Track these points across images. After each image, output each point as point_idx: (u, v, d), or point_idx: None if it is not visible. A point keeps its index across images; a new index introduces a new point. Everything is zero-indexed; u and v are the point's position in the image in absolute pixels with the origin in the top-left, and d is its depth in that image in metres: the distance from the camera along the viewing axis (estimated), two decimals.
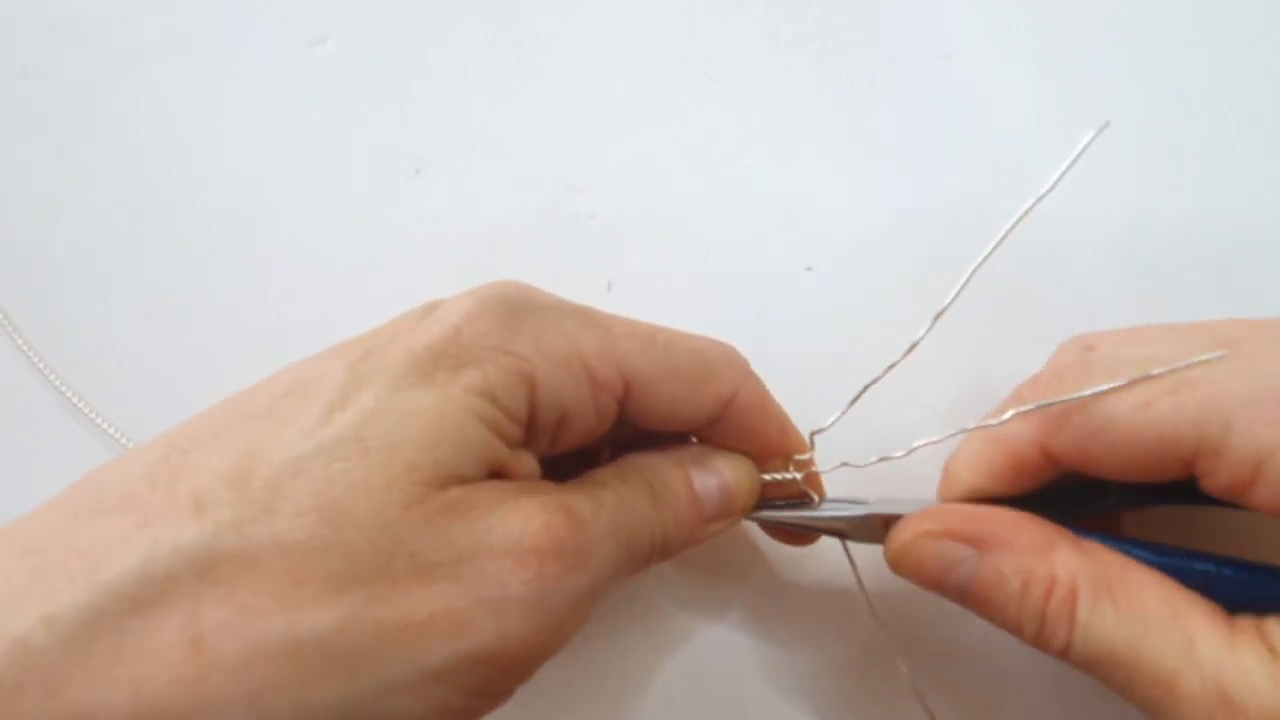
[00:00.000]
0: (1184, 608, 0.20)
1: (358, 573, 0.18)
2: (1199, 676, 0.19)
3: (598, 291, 0.32)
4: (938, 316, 0.24)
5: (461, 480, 0.20)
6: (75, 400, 0.30)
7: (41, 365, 0.30)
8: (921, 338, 0.24)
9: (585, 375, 0.22)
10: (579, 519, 0.20)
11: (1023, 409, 0.22)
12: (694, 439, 0.26)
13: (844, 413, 0.25)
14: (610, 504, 0.22)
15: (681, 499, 0.24)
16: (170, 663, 0.17)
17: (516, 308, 0.22)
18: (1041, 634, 0.21)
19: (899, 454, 0.25)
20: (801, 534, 0.26)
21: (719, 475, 0.24)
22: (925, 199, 0.32)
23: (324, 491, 0.18)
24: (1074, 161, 0.25)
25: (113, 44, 0.33)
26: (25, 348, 0.30)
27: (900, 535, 0.23)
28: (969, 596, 0.22)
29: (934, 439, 0.25)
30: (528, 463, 0.22)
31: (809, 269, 0.32)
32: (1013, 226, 0.24)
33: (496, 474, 0.21)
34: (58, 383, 0.30)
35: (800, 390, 0.29)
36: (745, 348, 0.31)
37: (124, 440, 0.29)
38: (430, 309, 0.22)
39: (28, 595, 0.17)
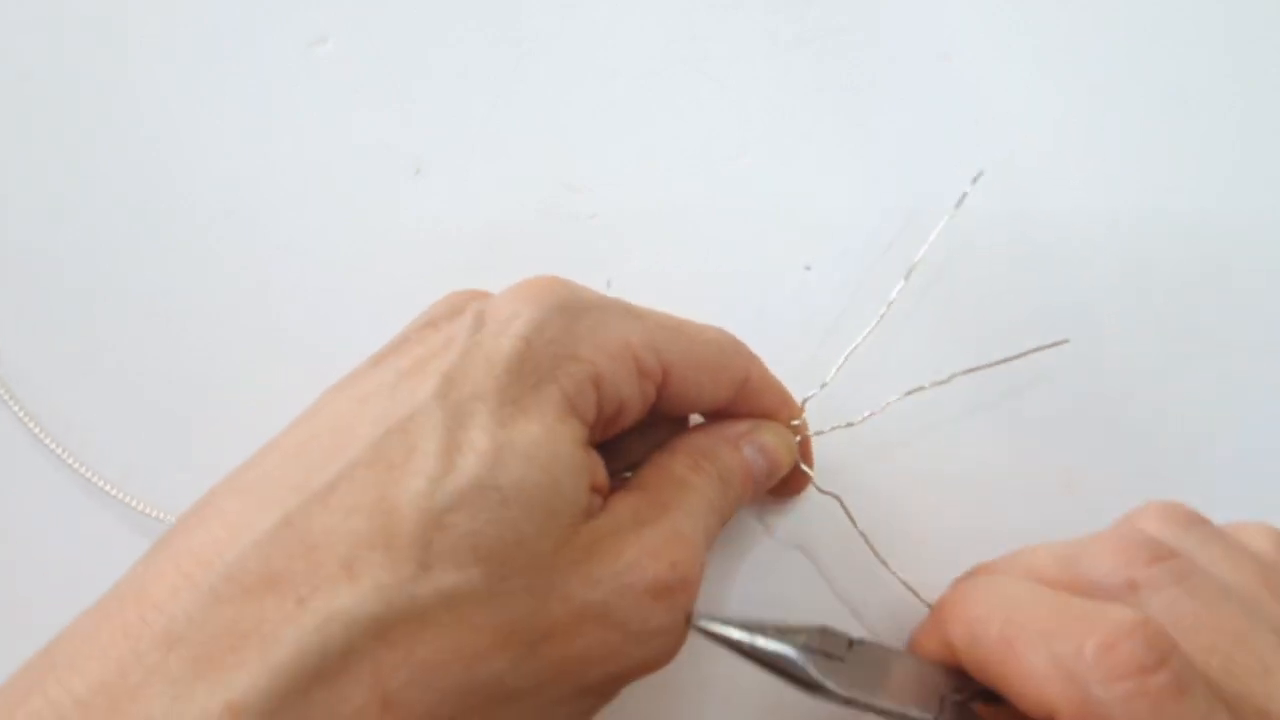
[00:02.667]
0: None
1: (522, 617, 0.19)
2: None
3: (598, 290, 0.32)
4: (909, 272, 0.25)
5: (585, 512, 0.21)
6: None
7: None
8: (896, 296, 0.27)
9: (635, 366, 0.23)
10: (692, 547, 0.22)
11: None
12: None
13: (830, 378, 0.28)
14: (700, 510, 0.23)
15: (740, 481, 0.25)
16: None
17: (572, 309, 0.23)
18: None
19: (860, 417, 0.29)
20: (796, 480, 0.28)
21: (766, 453, 0.26)
22: (925, 199, 0.32)
23: (479, 545, 0.19)
24: (957, 206, 0.29)
25: (112, 44, 0.33)
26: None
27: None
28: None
29: (892, 399, 0.28)
30: (600, 466, 0.23)
31: (809, 268, 0.32)
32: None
33: (592, 486, 0.22)
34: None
35: (800, 391, 0.29)
36: None
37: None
38: (479, 315, 0.22)
39: (198, 687, 0.17)
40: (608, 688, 0.21)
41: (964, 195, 0.29)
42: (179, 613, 0.18)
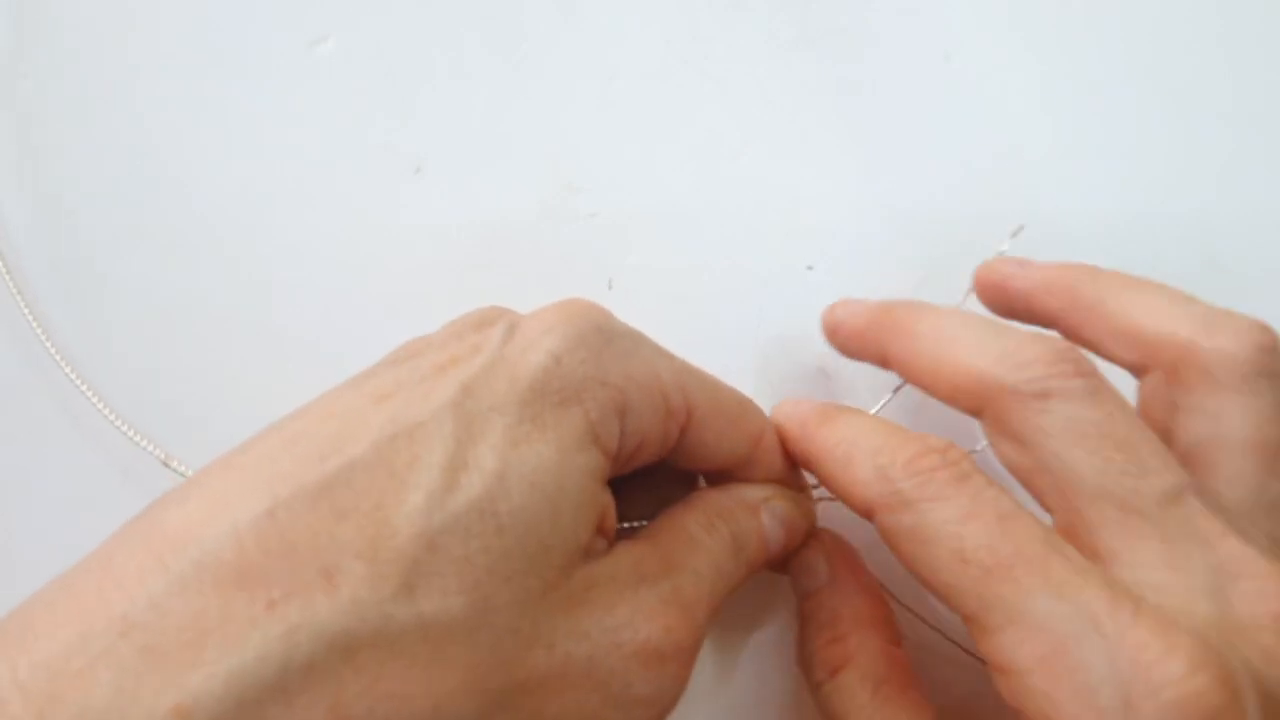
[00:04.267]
0: None
1: (501, 660, 0.18)
2: None
3: (598, 290, 0.32)
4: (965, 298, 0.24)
5: (583, 551, 0.20)
6: (87, 392, 0.30)
7: (50, 357, 0.30)
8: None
9: (662, 403, 0.22)
10: (691, 613, 0.21)
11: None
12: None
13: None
14: (707, 574, 0.22)
15: (754, 548, 0.24)
16: None
17: (606, 333, 0.21)
18: (805, 664, 0.24)
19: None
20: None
21: (784, 521, 0.25)
22: (925, 199, 0.32)
23: (465, 573, 0.18)
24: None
25: (112, 43, 0.33)
26: (40, 334, 0.30)
27: (810, 544, 0.26)
28: (796, 593, 0.25)
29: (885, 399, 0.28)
30: (610, 506, 0.21)
31: (810, 268, 0.32)
32: None
33: (598, 527, 0.21)
34: (73, 375, 0.30)
35: (801, 391, 0.29)
36: (745, 347, 0.31)
37: (134, 436, 0.29)
38: (511, 328, 0.21)
39: (147, 681, 0.16)
40: None
41: (1003, 250, 0.28)
42: (141, 596, 0.16)
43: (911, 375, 0.24)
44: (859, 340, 0.27)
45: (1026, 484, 0.22)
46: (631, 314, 0.30)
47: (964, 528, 0.20)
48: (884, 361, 0.25)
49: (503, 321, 0.22)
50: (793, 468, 0.26)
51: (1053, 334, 0.24)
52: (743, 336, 0.31)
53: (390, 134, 0.33)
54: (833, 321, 0.27)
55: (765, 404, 0.30)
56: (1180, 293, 0.24)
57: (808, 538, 0.26)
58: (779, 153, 0.33)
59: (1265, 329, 0.23)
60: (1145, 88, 0.34)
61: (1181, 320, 0.23)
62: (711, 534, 0.23)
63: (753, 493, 0.25)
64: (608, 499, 0.21)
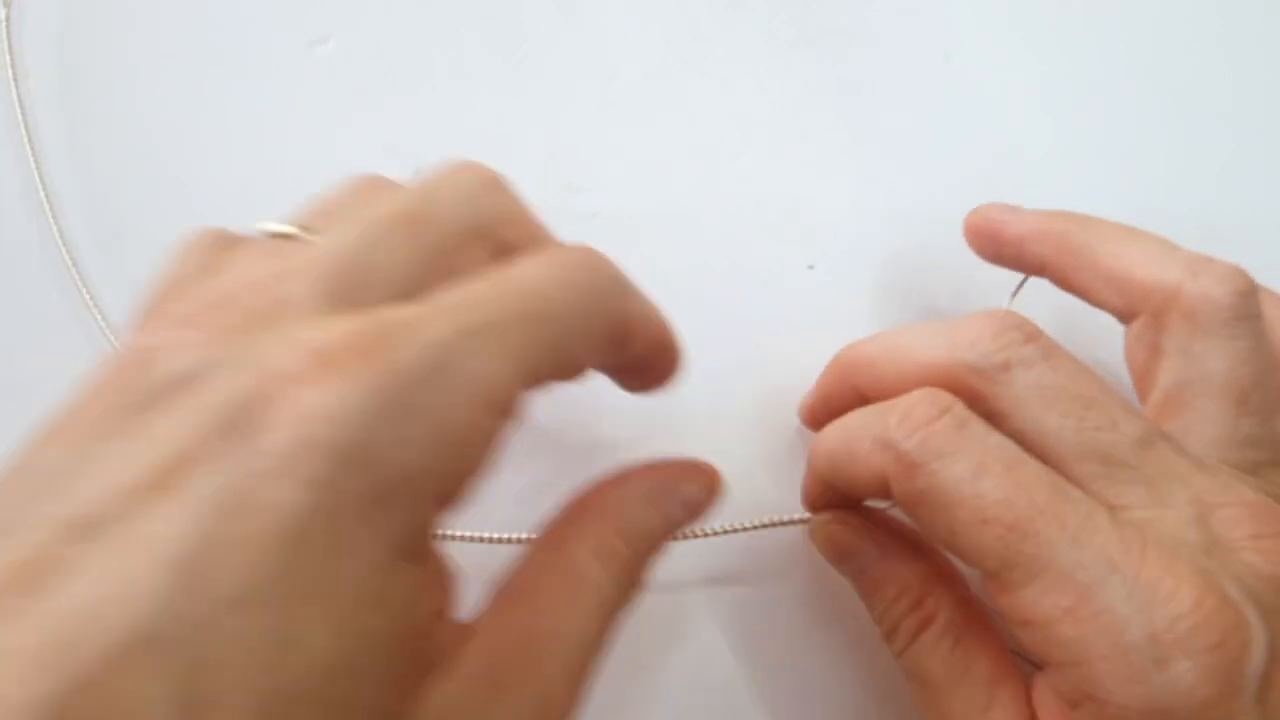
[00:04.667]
0: (1004, 677, 0.22)
1: None
2: None
3: None
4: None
5: (420, 672, 0.15)
6: None
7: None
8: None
9: (499, 421, 0.16)
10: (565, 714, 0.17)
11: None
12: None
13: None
14: (590, 627, 0.18)
15: (656, 546, 0.21)
16: None
17: (393, 393, 0.15)
18: (889, 635, 0.24)
19: None
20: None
21: (688, 506, 0.22)
22: (925, 199, 0.32)
23: None
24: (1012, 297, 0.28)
25: (111, 43, 0.33)
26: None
27: (826, 518, 0.26)
28: (856, 583, 0.25)
29: None
30: (437, 590, 0.17)
31: (811, 267, 0.32)
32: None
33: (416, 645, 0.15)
34: None
35: (802, 390, 0.29)
36: (746, 346, 0.31)
37: None
38: (247, 408, 0.14)
39: None
40: None
41: (1011, 298, 0.28)
42: None
43: (882, 393, 0.24)
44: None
45: None
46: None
47: (979, 485, 0.20)
48: (861, 400, 0.25)
49: (240, 387, 0.14)
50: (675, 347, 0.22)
51: (995, 310, 0.24)
52: (745, 336, 0.31)
53: (390, 134, 0.33)
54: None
55: (766, 403, 0.30)
56: (1167, 241, 0.25)
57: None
58: (779, 153, 0.33)
59: (1244, 274, 0.24)
60: (1145, 88, 0.34)
61: (1168, 266, 0.24)
62: (605, 565, 0.19)
63: (652, 477, 0.22)
64: (428, 599, 0.16)
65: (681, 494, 0.22)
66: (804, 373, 0.29)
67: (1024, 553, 0.19)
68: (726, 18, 0.34)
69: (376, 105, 0.33)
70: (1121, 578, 0.19)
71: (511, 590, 0.18)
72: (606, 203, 0.32)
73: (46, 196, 0.32)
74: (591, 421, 0.31)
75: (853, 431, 0.23)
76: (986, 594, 0.22)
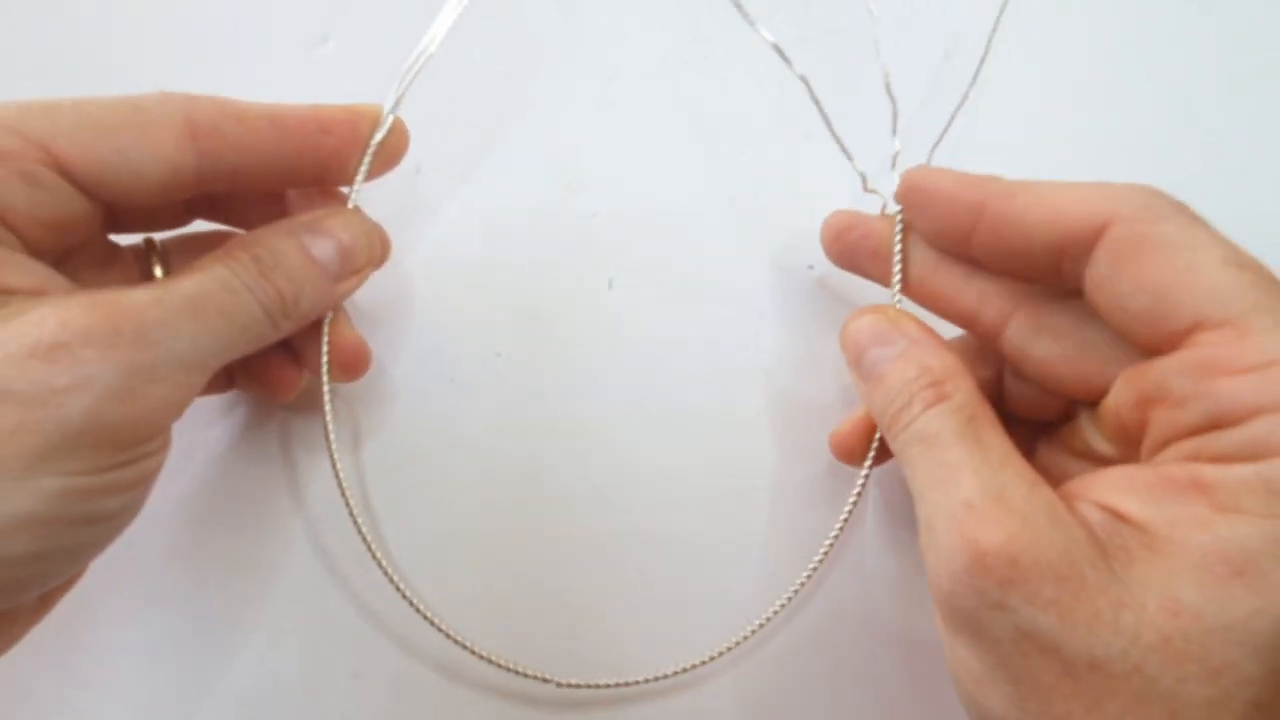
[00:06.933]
0: (1015, 453, 0.22)
1: None
2: (979, 483, 0.22)
3: (599, 290, 0.31)
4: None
5: None
6: None
7: None
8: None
9: None
10: (115, 307, 0.21)
11: None
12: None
13: None
14: (188, 286, 0.23)
15: (297, 264, 0.25)
16: None
17: None
18: (900, 410, 0.24)
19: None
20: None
21: (333, 238, 0.26)
22: None
23: None
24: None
25: (112, 43, 0.33)
26: None
27: (862, 310, 0.26)
28: (875, 371, 0.25)
29: None
30: (27, 272, 0.22)
31: (812, 267, 0.32)
32: None
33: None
34: None
35: (802, 389, 0.29)
36: (746, 346, 0.31)
37: None
38: None
39: None
40: (47, 466, 0.20)
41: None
42: None
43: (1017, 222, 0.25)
44: None
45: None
46: (632, 314, 0.30)
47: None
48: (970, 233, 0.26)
49: None
50: (295, 116, 0.27)
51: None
52: (746, 336, 0.31)
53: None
54: None
55: (767, 404, 0.30)
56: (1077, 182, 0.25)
57: (384, 254, 0.28)
58: (778, 152, 0.33)
59: (1155, 189, 0.23)
60: (1145, 88, 0.34)
61: (1093, 190, 0.23)
62: (222, 259, 0.24)
63: (291, 221, 0.26)
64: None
65: (318, 227, 0.26)
66: (805, 372, 0.29)
67: None
68: (726, 18, 0.34)
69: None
70: None
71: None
72: (606, 203, 0.32)
73: None
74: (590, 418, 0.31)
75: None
76: None
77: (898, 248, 0.27)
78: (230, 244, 0.25)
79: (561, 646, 0.29)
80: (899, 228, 0.27)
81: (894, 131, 0.29)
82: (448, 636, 0.28)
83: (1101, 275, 0.22)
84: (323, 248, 0.26)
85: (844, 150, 0.28)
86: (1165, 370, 0.21)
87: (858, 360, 0.26)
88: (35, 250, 0.23)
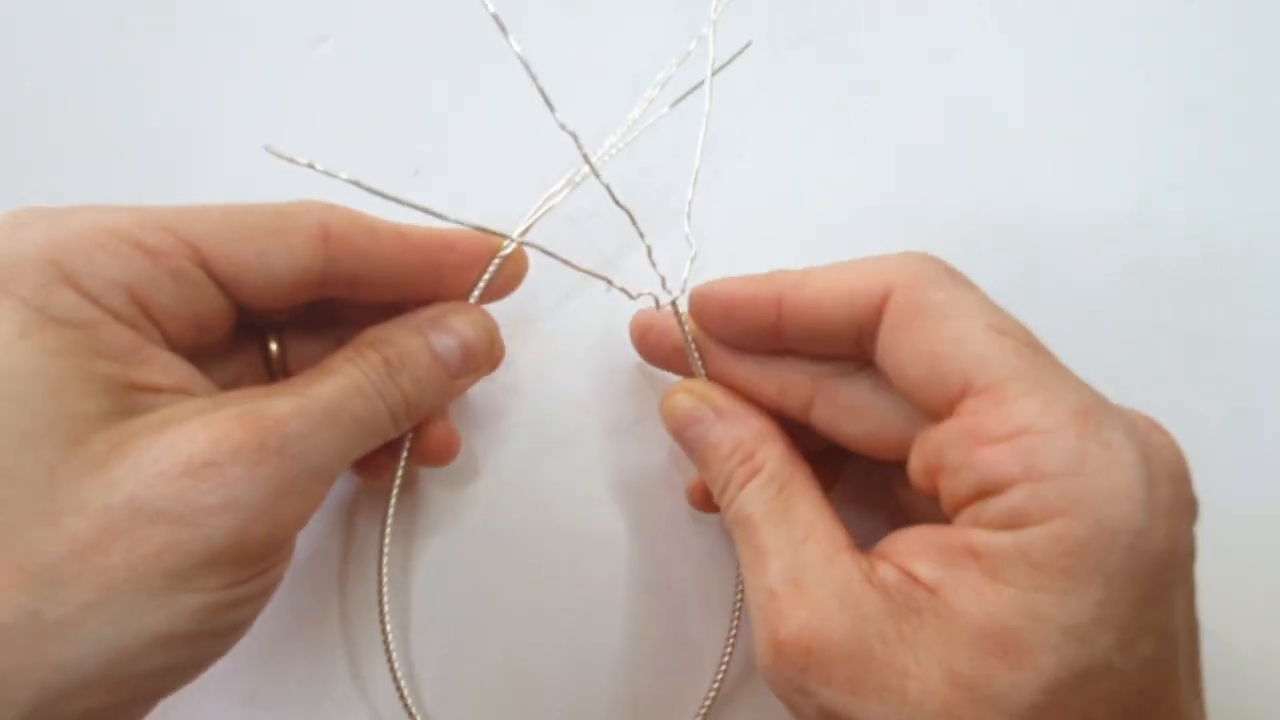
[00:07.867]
0: (820, 519, 0.24)
1: (32, 548, 0.19)
2: (781, 566, 0.23)
3: (598, 290, 0.32)
4: None
5: (99, 419, 0.20)
6: None
7: None
8: None
9: (133, 248, 0.22)
10: (259, 419, 0.21)
11: None
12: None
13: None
14: (326, 393, 0.23)
15: (424, 365, 0.25)
16: None
17: (22, 218, 0.22)
18: (722, 490, 0.26)
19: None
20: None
21: (458, 335, 0.26)
22: (925, 199, 0.32)
23: None
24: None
25: (112, 43, 0.33)
26: None
27: (674, 388, 0.27)
28: (696, 449, 0.27)
29: None
30: (170, 369, 0.22)
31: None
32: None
33: (135, 387, 0.21)
34: None
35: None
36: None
37: None
38: None
39: None
40: (189, 584, 0.20)
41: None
42: None
43: (805, 311, 0.26)
44: None
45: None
46: (631, 313, 0.30)
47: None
48: (775, 320, 0.26)
49: None
50: (421, 236, 0.26)
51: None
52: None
53: (389, 134, 0.33)
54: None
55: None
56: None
57: (500, 354, 0.27)
58: (779, 153, 0.33)
59: (928, 256, 0.24)
60: (1146, 88, 0.34)
61: (874, 264, 0.24)
62: (353, 361, 0.24)
63: (416, 315, 0.26)
64: (118, 362, 0.21)
65: (444, 324, 0.26)
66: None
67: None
68: (726, 17, 0.34)
69: (376, 105, 0.33)
70: None
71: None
72: (607, 203, 0.32)
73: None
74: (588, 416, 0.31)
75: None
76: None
77: (690, 339, 0.28)
78: (359, 341, 0.25)
79: None
80: (686, 320, 0.28)
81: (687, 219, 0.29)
82: None
83: (884, 344, 0.23)
84: (446, 345, 0.26)
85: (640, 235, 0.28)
86: (941, 440, 0.22)
87: (679, 441, 0.27)
88: (174, 346, 0.23)
